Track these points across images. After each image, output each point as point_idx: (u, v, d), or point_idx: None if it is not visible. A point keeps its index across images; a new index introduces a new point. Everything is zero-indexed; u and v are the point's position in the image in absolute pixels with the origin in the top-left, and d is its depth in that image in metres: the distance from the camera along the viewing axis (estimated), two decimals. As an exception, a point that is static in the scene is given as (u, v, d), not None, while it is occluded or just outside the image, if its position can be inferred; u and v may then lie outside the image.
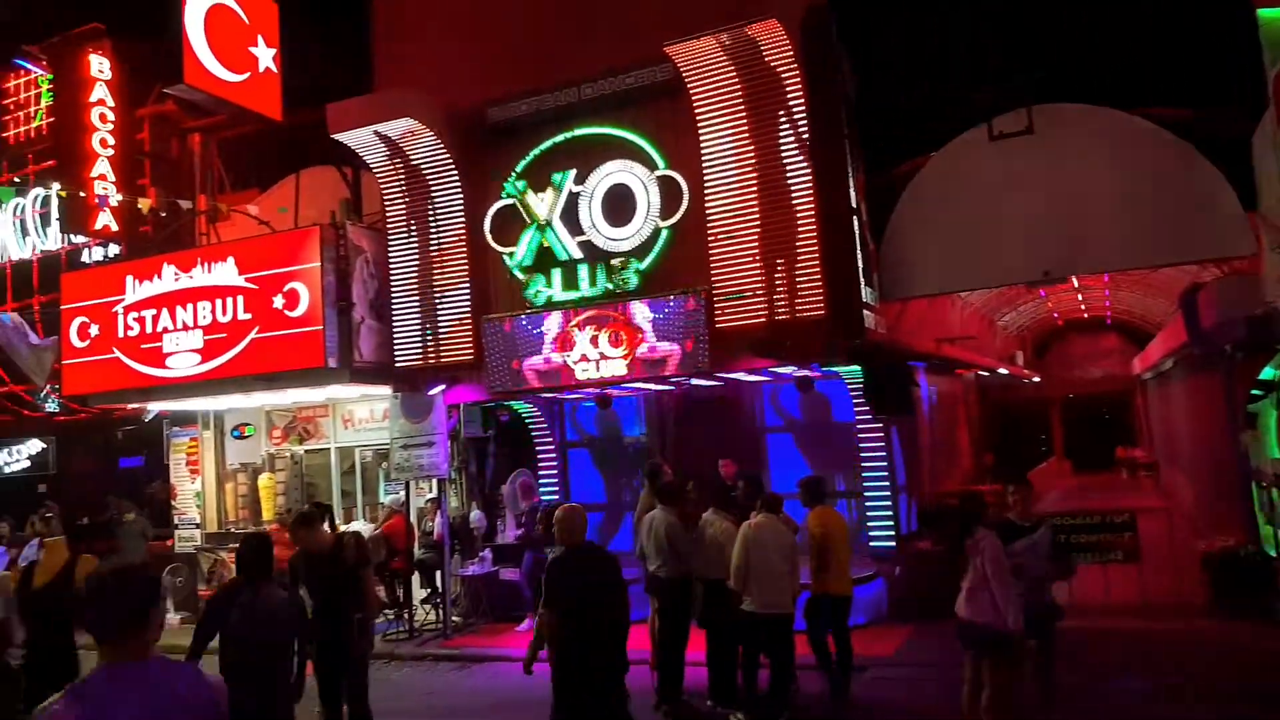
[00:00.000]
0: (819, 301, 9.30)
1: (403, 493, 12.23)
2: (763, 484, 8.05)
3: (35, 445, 17.02)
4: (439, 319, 11.52)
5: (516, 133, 11.42)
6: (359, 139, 11.51)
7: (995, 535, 6.05)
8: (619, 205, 10.75)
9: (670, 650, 7.60)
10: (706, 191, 10.01)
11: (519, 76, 11.30)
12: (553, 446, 12.51)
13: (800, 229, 9.49)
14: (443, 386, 11.30)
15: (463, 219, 11.48)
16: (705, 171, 10.02)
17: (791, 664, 7.21)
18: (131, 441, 16.02)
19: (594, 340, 10.38)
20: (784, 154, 9.66)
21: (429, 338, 11.53)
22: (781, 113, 9.67)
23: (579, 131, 11.09)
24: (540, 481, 12.40)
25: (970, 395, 16.00)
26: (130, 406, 13.54)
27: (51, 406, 15.59)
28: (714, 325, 9.73)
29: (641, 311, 10.15)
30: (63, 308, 12.93)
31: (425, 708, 8.36)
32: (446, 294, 11.50)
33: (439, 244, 11.56)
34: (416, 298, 11.63)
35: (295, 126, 13.38)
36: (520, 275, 11.25)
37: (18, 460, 17.15)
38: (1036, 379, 24.14)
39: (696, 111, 10.03)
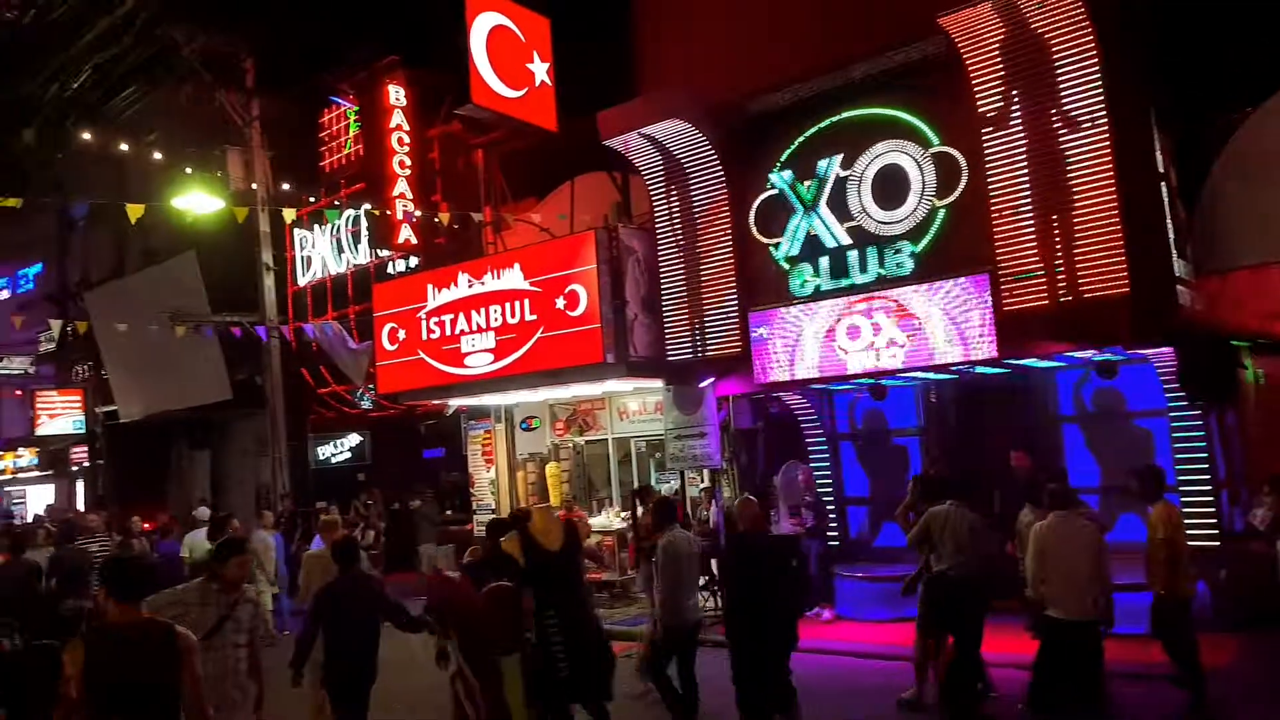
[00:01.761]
0: (1122, 278, 8.48)
1: (676, 482, 12.55)
2: (1065, 477, 7.47)
3: (354, 439, 19.08)
4: (707, 313, 11.68)
5: (779, 122, 11.35)
6: (627, 143, 11.90)
7: None
8: (890, 187, 10.40)
9: (962, 652, 7.23)
10: (987, 166, 9.43)
11: (779, 66, 11.19)
12: (823, 439, 12.31)
13: (1098, 200, 8.69)
14: (712, 379, 11.45)
15: (727, 213, 11.57)
16: (985, 145, 9.43)
17: (1102, 673, 6.63)
18: (433, 434, 17.55)
19: (867, 328, 10.09)
20: (1075, 120, 8.88)
21: (698, 332, 11.73)
22: (1070, 75, 8.90)
23: (845, 115, 10.84)
24: (812, 473, 12.24)
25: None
26: (433, 403, 14.83)
27: (366, 404, 17.41)
28: (1000, 308, 9.14)
29: (918, 296, 9.73)
30: (375, 315, 14.38)
31: (706, 694, 8.48)
32: (713, 288, 11.64)
33: (705, 239, 11.71)
34: (685, 293, 11.85)
35: (567, 135, 14.06)
36: (787, 266, 11.17)
37: (341, 452, 19.32)
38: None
39: (974, 82, 9.46)
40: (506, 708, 5.54)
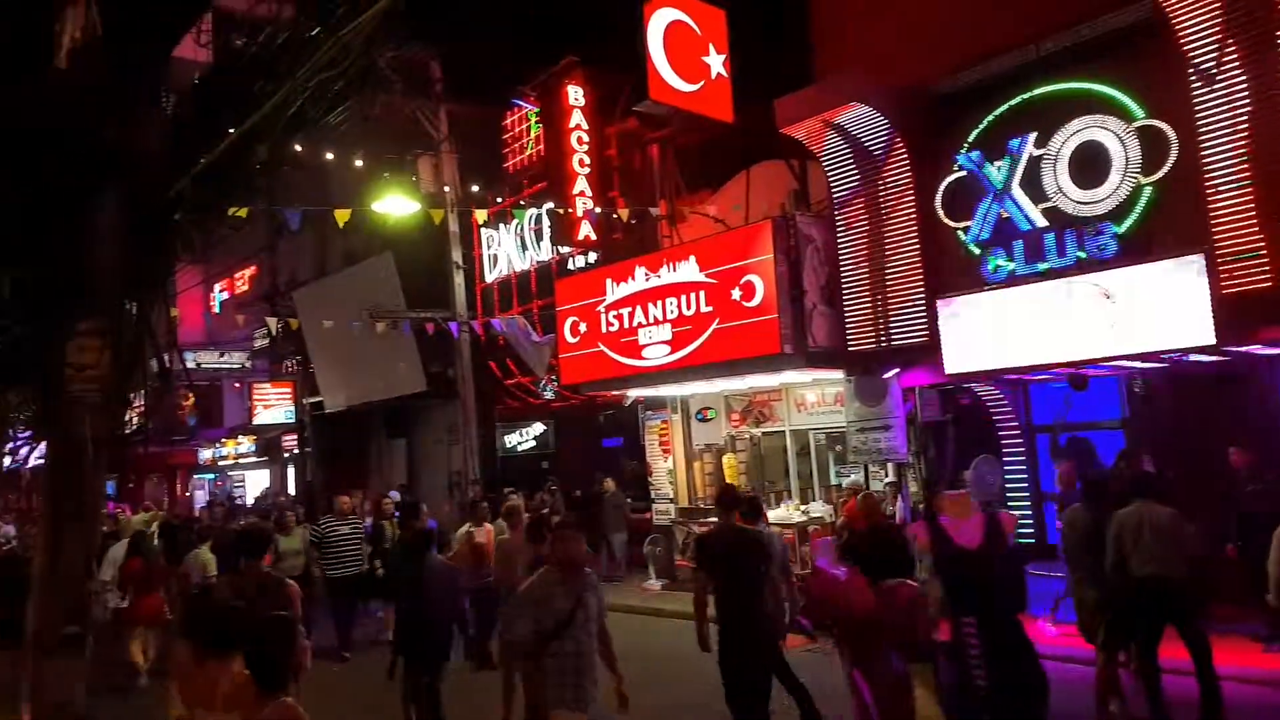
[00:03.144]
0: (1367, 255, 7.67)
1: (855, 475, 12.32)
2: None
3: (538, 428, 19.76)
4: (891, 301, 11.38)
5: (966, 102, 10.92)
6: (806, 130, 11.74)
7: None
8: (1089, 165, 9.82)
9: (1199, 660, 6.72)
10: (1201, 137, 8.73)
11: (965, 43, 10.75)
12: (1017, 431, 11.75)
13: (1337, 170, 7.89)
14: (897, 370, 11.16)
15: (912, 197, 11.23)
16: (1198, 115, 8.73)
17: None
18: (611, 424, 17.94)
19: (1065, 314, 9.53)
20: (1307, 82, 8.10)
21: (881, 321, 11.45)
22: (1302, 33, 8.11)
23: (1038, 91, 10.32)
24: (1005, 468, 11.72)
25: None
26: (612, 393, 15.17)
27: (549, 394, 18.01)
28: (1219, 291, 8.44)
29: (1123, 280, 9.11)
30: (557, 309, 14.85)
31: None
32: (897, 275, 11.34)
33: (888, 225, 11.42)
34: (867, 281, 11.60)
35: (741, 124, 14.00)
36: (977, 250, 10.75)
37: (526, 440, 20.06)
38: None
39: (1185, 48, 8.77)
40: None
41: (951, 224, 10.94)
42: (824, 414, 13.79)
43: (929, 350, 10.81)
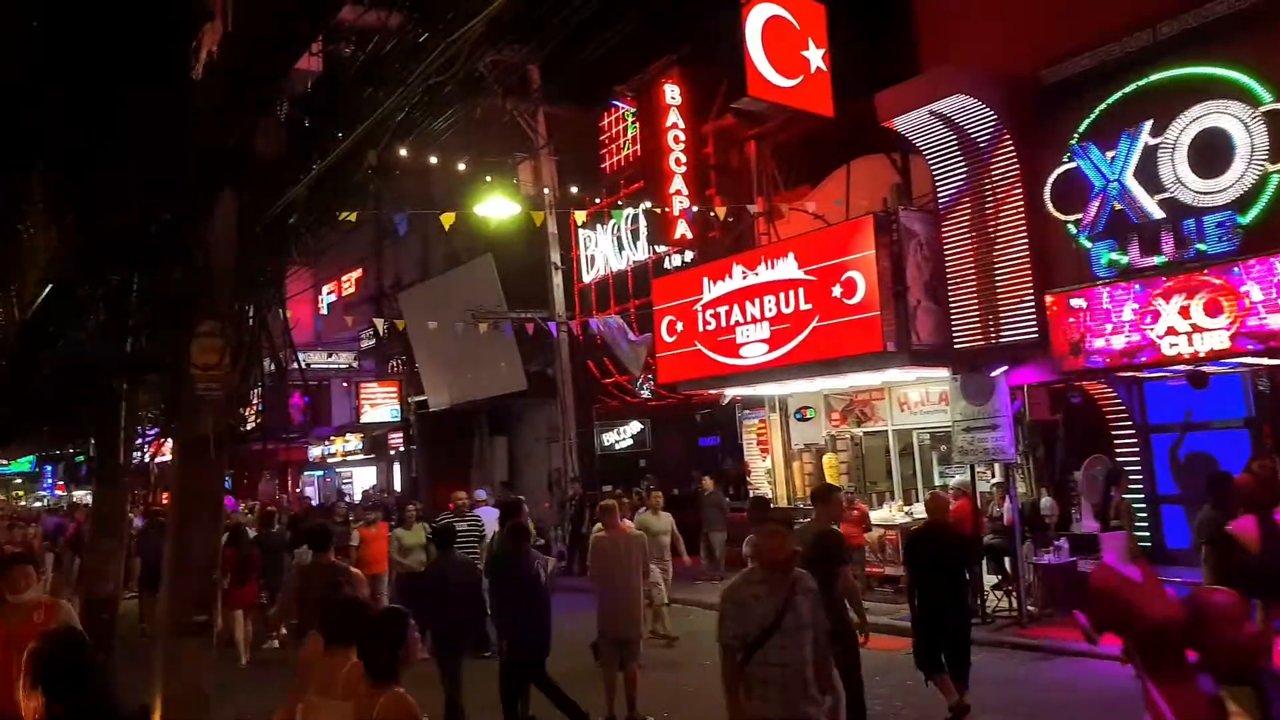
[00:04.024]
0: None
1: (961, 475, 11.97)
2: None
3: (635, 426, 19.82)
4: (998, 297, 11.07)
5: (1076, 91, 10.54)
6: (909, 123, 11.50)
7: None
8: (1210, 153, 9.40)
9: None
10: (1336, 121, 8.24)
11: (1074, 30, 10.40)
12: (1131, 432, 11.27)
13: None
14: (1005, 368, 10.82)
15: (1020, 190, 10.90)
16: (1334, 97, 8.25)
17: None
18: (708, 423, 17.90)
19: (1184, 311, 9.11)
20: None
21: (988, 317, 11.13)
22: None
23: (1153, 77, 9.91)
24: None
25: None
26: (709, 392, 15.13)
27: (645, 393, 18.08)
28: (1356, 283, 7.96)
29: (1248, 272, 8.66)
30: (654, 308, 14.88)
31: (1003, 698, 8.11)
32: (1005, 270, 11.02)
33: (994, 219, 11.11)
34: (973, 276, 11.31)
35: (840, 119, 13.78)
36: (1088, 244, 10.37)
37: (624, 439, 20.16)
38: None
39: (1319, 26, 8.29)
40: None
41: (1061, 217, 10.58)
42: (928, 413, 13.50)
43: (1038, 347, 10.49)
